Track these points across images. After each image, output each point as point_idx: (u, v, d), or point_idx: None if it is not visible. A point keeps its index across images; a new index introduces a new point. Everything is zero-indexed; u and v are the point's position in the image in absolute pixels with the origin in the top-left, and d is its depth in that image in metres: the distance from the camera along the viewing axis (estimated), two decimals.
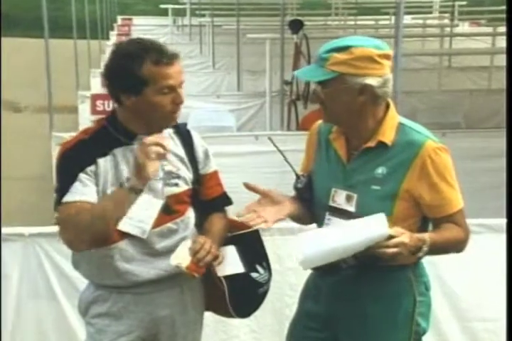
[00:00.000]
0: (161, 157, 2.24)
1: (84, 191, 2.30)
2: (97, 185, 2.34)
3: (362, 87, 2.24)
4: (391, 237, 2.12)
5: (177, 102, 2.35)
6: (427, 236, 2.23)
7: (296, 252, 2.23)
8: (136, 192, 2.24)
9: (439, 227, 2.33)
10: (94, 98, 8.95)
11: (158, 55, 2.29)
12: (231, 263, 2.45)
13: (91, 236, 2.29)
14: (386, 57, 2.27)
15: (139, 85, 2.28)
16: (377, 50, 2.25)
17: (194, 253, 2.32)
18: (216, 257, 2.38)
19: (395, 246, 2.12)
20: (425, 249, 2.21)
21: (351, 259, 2.24)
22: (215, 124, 7.93)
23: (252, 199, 5.97)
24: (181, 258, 2.32)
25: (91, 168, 2.33)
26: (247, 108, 9.00)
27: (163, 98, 2.31)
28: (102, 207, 2.26)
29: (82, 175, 2.31)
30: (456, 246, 2.36)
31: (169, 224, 2.43)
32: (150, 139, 2.22)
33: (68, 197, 2.30)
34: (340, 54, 2.23)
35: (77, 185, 2.30)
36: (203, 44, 14.77)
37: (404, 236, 2.14)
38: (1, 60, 7.45)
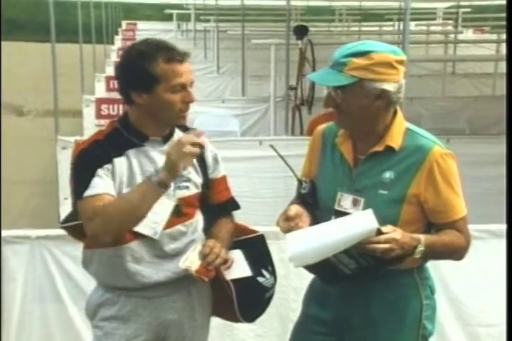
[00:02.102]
0: (195, 156, 2.23)
1: (103, 185, 2.30)
2: (113, 181, 2.35)
3: (380, 93, 2.26)
4: (382, 234, 2.13)
5: (187, 101, 2.36)
6: (422, 236, 2.23)
7: (286, 250, 2.23)
8: (165, 186, 2.24)
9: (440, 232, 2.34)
10: (99, 102, 9.00)
11: (170, 53, 2.31)
12: (238, 266, 2.46)
13: (119, 229, 2.31)
14: (402, 62, 2.29)
15: (150, 82, 2.30)
16: (395, 56, 2.27)
17: (204, 256, 2.34)
18: (225, 261, 2.39)
19: (386, 241, 2.12)
20: (421, 248, 2.21)
21: (352, 262, 2.24)
22: (220, 129, 7.95)
23: (256, 204, 5.94)
24: (190, 261, 2.33)
25: (108, 166, 2.34)
26: (251, 113, 9.02)
27: (173, 96, 2.33)
28: (130, 200, 2.25)
29: (100, 171, 2.31)
30: (456, 252, 2.36)
31: (179, 227, 2.45)
32: (186, 138, 2.21)
33: (89, 192, 2.29)
34: (360, 59, 2.24)
35: (96, 180, 2.30)
36: (207, 49, 14.81)
37: (395, 233, 2.15)
38: (0, 63, 7.49)
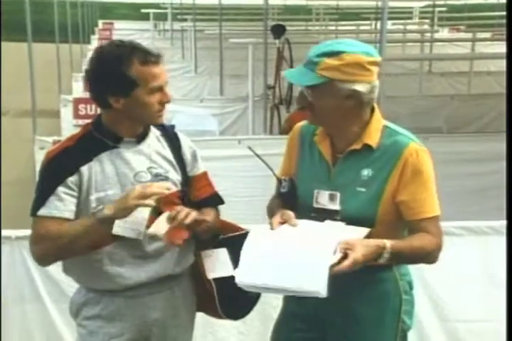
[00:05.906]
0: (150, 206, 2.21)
1: (58, 206, 2.31)
2: (79, 193, 2.34)
3: (350, 93, 2.27)
4: (341, 259, 2.09)
5: (164, 101, 2.36)
6: (388, 242, 2.20)
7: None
8: (110, 222, 2.25)
9: (411, 235, 2.32)
10: (77, 102, 8.94)
11: (145, 55, 2.30)
12: (222, 265, 2.46)
13: (57, 258, 2.40)
14: (375, 63, 2.30)
15: (128, 87, 2.29)
16: (368, 57, 2.27)
17: (172, 219, 2.30)
18: (198, 221, 2.34)
19: (349, 268, 2.10)
20: (386, 255, 2.18)
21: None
22: (198, 128, 7.94)
23: (234, 203, 5.96)
24: (157, 226, 2.29)
25: (72, 179, 2.33)
26: (229, 112, 9.01)
27: (151, 98, 2.32)
28: (72, 234, 2.28)
29: (60, 189, 2.31)
30: (426, 256, 2.33)
31: None
32: (152, 189, 2.20)
33: (44, 211, 2.32)
34: (331, 59, 2.25)
35: (52, 199, 2.31)
36: (184, 49, 14.77)
37: (356, 256, 2.09)
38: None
